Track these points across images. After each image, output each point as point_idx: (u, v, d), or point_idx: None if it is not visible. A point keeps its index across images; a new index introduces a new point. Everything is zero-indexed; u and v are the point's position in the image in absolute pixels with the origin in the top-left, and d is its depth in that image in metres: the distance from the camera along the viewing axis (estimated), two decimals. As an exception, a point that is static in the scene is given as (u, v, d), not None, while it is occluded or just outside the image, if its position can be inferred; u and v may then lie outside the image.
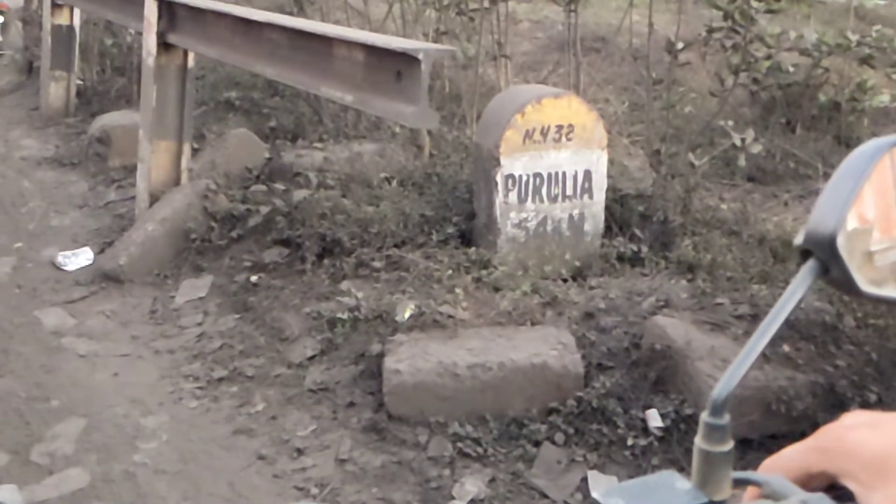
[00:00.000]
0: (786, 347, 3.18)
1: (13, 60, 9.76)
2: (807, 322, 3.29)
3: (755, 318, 3.49)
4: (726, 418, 0.63)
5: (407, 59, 3.18)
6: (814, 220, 0.69)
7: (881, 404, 2.99)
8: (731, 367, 0.66)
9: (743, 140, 4.38)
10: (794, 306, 0.68)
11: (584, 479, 3.07)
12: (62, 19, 7.71)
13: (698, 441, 0.64)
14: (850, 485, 0.63)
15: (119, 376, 3.90)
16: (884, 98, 5.72)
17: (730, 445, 0.63)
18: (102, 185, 6.16)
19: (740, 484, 0.66)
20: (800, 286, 0.68)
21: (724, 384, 0.65)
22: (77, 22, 7.70)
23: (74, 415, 3.61)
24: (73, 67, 7.84)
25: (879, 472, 0.62)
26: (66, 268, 4.93)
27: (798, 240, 0.69)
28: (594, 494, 0.63)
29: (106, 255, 4.92)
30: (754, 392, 3.05)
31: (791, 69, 5.18)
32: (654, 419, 3.21)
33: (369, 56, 3.43)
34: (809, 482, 0.66)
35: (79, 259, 4.99)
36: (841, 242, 0.67)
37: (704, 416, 0.64)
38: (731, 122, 4.60)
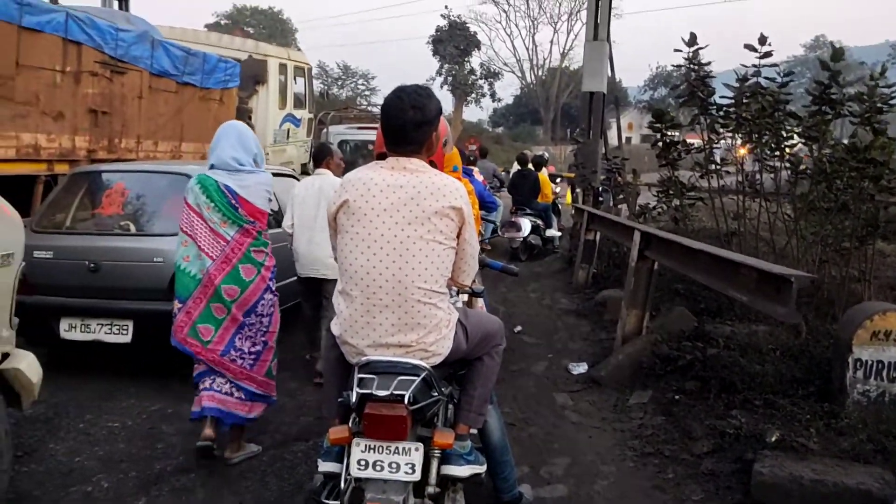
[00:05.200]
0: None
1: (562, 256, 10.52)
2: None
3: None
4: None
5: (784, 280, 3.03)
6: None
7: None
8: None
9: None
10: None
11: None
12: (590, 236, 8.24)
13: None
14: None
15: (592, 438, 3.95)
16: None
17: None
18: (598, 328, 6.32)
19: None
20: None
21: None
22: (598, 238, 8.17)
23: (565, 455, 3.72)
24: (593, 262, 8.28)
25: None
26: (573, 372, 5.12)
27: None
28: None
29: (594, 368, 5.03)
30: None
31: None
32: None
33: (760, 275, 3.28)
34: None
35: (580, 368, 5.16)
36: None
37: None
38: None
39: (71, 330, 4.51)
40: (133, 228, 4.77)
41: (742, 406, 3.81)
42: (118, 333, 4.47)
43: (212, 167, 3.48)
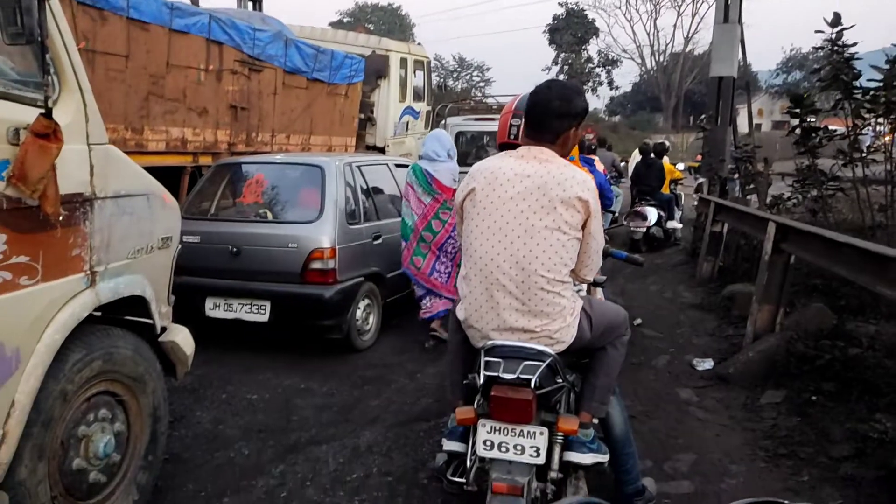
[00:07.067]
0: None
1: (684, 248, 10.14)
2: None
3: None
4: None
5: (943, 276, 2.78)
6: None
7: None
8: None
9: None
10: None
11: None
12: (717, 227, 7.86)
13: None
14: None
15: (719, 436, 3.80)
16: None
17: None
18: (725, 324, 6.06)
19: None
20: None
21: None
22: (725, 229, 7.78)
23: (691, 451, 3.60)
24: (719, 255, 7.91)
25: None
26: (697, 367, 4.95)
27: None
28: None
29: (721, 365, 4.84)
30: None
31: None
32: None
33: (914, 270, 3.06)
34: None
35: (705, 364, 4.98)
36: None
37: None
38: None
39: (215, 308, 4.90)
40: (270, 216, 5.10)
41: (887, 410, 3.55)
42: (257, 313, 4.81)
43: (420, 158, 5.37)
